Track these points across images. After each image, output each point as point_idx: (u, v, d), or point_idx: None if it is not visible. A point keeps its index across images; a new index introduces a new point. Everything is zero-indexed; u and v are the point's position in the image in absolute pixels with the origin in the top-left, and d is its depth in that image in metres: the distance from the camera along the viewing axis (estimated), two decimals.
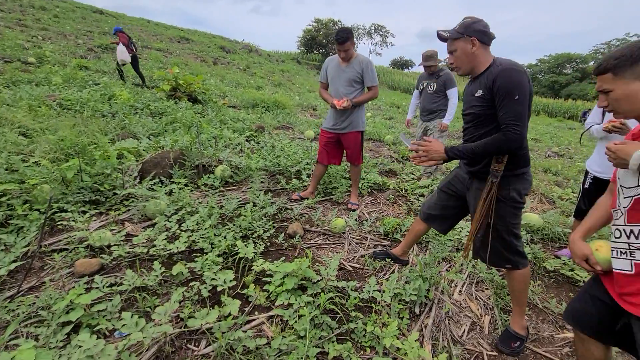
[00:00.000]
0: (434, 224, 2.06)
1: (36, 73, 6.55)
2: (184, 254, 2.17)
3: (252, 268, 2.02)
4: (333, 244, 2.58)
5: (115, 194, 2.70)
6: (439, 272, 2.25)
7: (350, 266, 2.29)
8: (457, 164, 1.98)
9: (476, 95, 1.56)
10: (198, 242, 2.20)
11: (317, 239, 2.62)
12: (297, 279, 1.81)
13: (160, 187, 2.88)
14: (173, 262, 2.07)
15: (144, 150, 3.47)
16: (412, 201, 3.50)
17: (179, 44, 19.08)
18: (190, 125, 4.71)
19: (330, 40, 32.33)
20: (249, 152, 4.09)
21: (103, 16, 19.94)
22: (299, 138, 5.69)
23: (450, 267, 2.42)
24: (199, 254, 2.08)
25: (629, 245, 1.05)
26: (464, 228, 2.81)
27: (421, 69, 4.18)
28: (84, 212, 2.44)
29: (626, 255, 1.06)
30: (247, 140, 4.82)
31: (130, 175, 2.97)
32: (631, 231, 1.05)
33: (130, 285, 1.72)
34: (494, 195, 1.57)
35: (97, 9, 21.41)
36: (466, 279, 2.28)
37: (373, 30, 52.16)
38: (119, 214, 2.54)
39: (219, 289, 1.75)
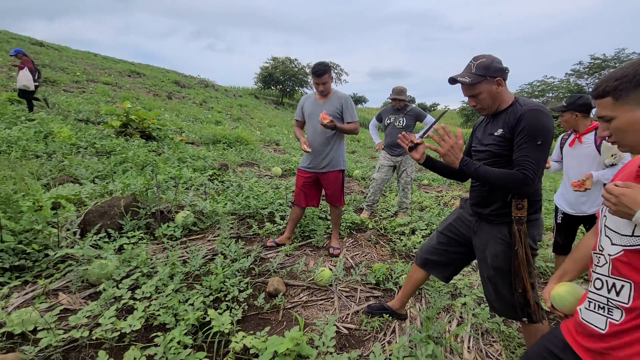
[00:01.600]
0: (434, 271, 1.86)
1: None
2: (140, 333, 1.72)
3: (229, 345, 1.63)
4: (321, 299, 2.26)
5: (47, 255, 2.17)
6: (447, 329, 2.02)
7: (345, 328, 1.98)
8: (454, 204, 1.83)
9: (496, 134, 1.46)
10: (158, 314, 1.76)
11: (301, 295, 2.28)
12: (290, 359, 1.46)
13: (108, 243, 2.39)
14: (125, 347, 1.61)
15: (87, 197, 2.94)
16: (394, 241, 3.31)
17: (130, 78, 18.22)
18: (144, 165, 4.22)
19: (287, 77, 33.17)
20: (214, 194, 3.69)
21: (44, 48, 18.57)
22: (267, 175, 5.38)
23: (451, 317, 2.20)
24: (160, 333, 1.64)
25: (608, 301, 0.87)
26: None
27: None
28: (2, 284, 1.89)
29: (603, 312, 0.88)
30: (210, 180, 4.41)
31: (69, 229, 2.45)
32: (613, 285, 0.86)
33: None
34: (525, 243, 1.41)
35: (37, 41, 19.95)
36: (470, 330, 2.07)
37: None
38: (50, 282, 2.01)
39: None
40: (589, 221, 2.46)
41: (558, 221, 2.64)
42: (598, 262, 0.92)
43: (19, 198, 2.51)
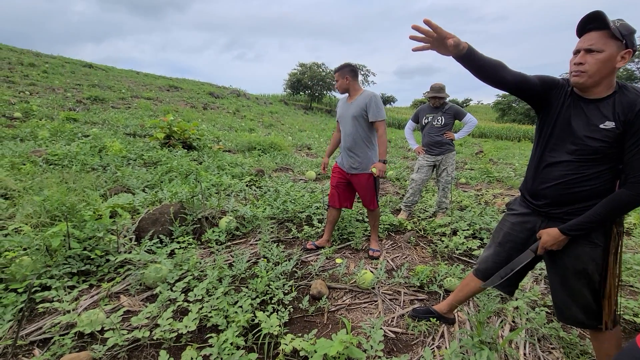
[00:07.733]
0: (497, 286, 1.73)
1: (21, 128, 6.29)
2: (195, 334, 1.81)
3: (279, 346, 1.67)
4: (364, 302, 2.24)
5: (108, 260, 2.35)
6: (500, 335, 1.93)
7: (392, 332, 1.95)
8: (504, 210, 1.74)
9: (601, 126, 1.22)
10: (211, 316, 1.84)
11: (344, 298, 2.28)
12: None
13: (161, 247, 2.55)
14: (182, 347, 1.70)
15: (139, 205, 3.16)
16: (435, 242, 3.22)
17: (169, 92, 19.33)
18: (188, 173, 4.45)
19: (315, 82, 33.55)
20: (253, 199, 3.80)
21: (92, 69, 20.25)
22: (301, 179, 5.46)
23: (503, 322, 2.09)
24: (213, 334, 1.72)
25: None
26: None
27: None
28: (72, 288, 2.08)
29: None
30: (248, 186, 4.56)
31: (125, 236, 2.63)
32: None
33: None
34: (620, 246, 1.30)
35: (86, 63, 21.80)
36: (525, 336, 1.96)
37: None
38: (112, 285, 2.18)
39: None
40: None
41: None
42: None
43: (82, 208, 2.75)
